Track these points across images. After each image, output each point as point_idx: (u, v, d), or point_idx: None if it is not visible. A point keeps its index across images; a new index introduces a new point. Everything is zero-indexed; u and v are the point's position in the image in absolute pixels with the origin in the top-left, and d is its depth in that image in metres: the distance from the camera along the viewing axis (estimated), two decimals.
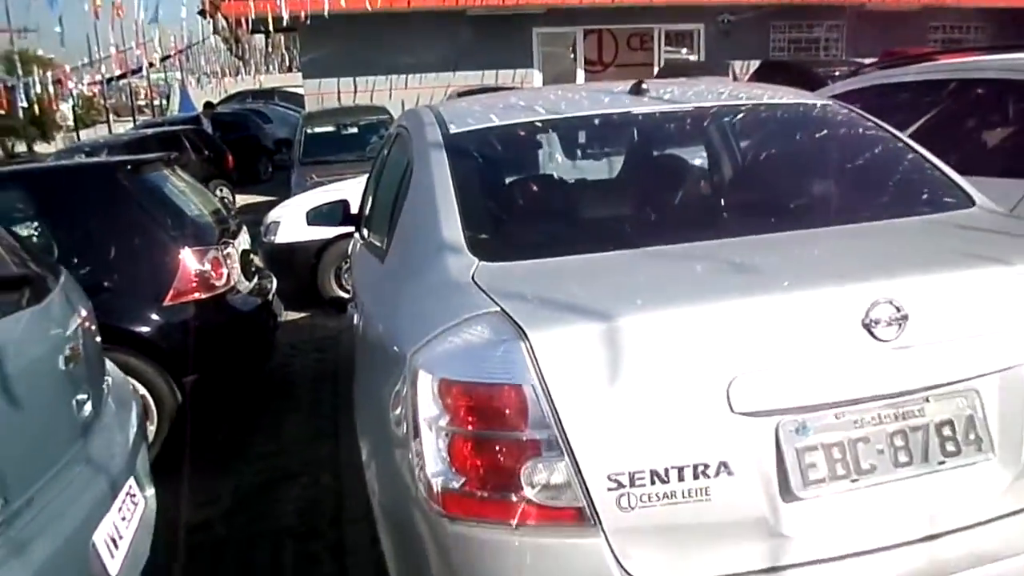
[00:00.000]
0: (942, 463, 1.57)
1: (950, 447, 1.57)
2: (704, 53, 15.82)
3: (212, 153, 12.68)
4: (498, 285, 1.67)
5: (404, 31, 13.64)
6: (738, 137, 2.62)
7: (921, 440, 1.56)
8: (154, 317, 3.82)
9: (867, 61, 13.75)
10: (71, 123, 24.78)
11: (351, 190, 5.58)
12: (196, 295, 3.94)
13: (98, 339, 2.57)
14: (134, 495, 2.38)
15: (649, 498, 1.44)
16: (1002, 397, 1.61)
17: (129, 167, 4.12)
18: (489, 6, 13.94)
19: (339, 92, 13.88)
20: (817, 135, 2.42)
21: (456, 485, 1.49)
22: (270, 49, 24.03)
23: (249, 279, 4.64)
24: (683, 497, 1.45)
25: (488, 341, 1.51)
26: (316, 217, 4.20)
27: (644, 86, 2.50)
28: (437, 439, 1.52)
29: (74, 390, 2.19)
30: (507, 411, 1.46)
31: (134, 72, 20.16)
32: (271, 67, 23.94)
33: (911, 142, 2.35)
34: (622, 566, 1.45)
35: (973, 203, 2.11)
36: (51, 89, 18.89)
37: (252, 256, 4.95)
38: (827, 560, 1.51)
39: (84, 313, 2.44)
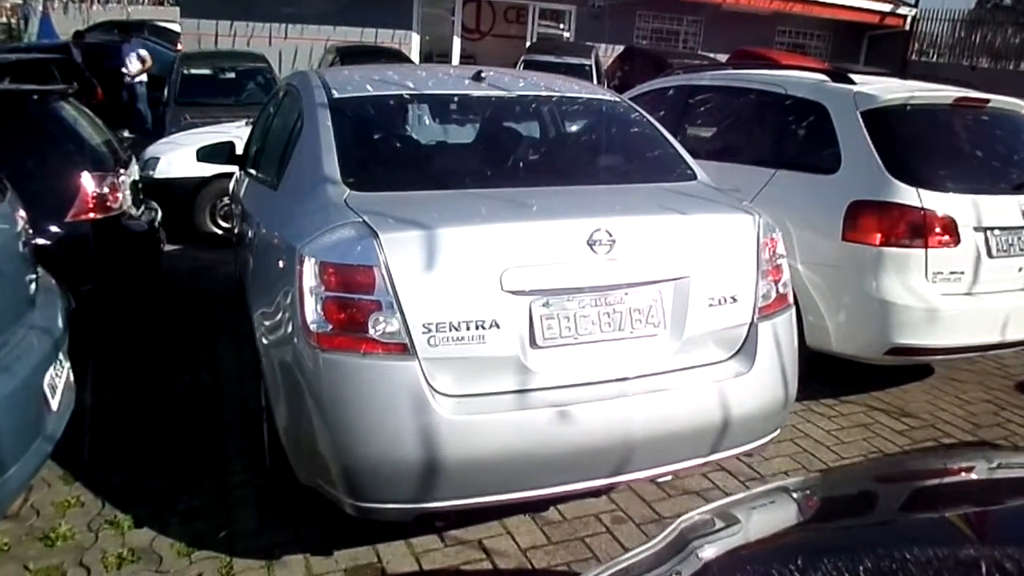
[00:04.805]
0: (632, 332, 2.54)
1: (638, 324, 2.54)
2: (575, 33, 16.84)
3: (81, 85, 12.38)
4: (361, 206, 2.50)
5: None
6: (541, 118, 3.54)
7: (620, 318, 2.52)
8: (55, 231, 4.32)
9: (722, 57, 15.21)
10: None
11: (231, 133, 6.11)
12: (94, 215, 4.47)
13: (31, 233, 3.16)
14: (62, 361, 3.04)
15: (447, 340, 2.32)
16: (674, 296, 2.59)
17: (35, 96, 4.57)
18: None
19: (217, 35, 13.89)
20: (599, 122, 3.38)
21: (327, 329, 2.32)
22: None
23: (137, 207, 5.18)
24: (468, 341, 2.34)
25: (353, 238, 2.34)
26: (206, 155, 4.81)
27: (482, 74, 3.36)
28: (315, 300, 2.33)
29: (27, 269, 2.84)
30: (362, 282, 2.30)
31: None
32: None
33: (665, 132, 3.33)
34: (428, 382, 2.32)
35: (695, 177, 3.12)
36: None
37: (139, 186, 5.46)
38: (556, 387, 2.44)
39: (23, 212, 3.05)
